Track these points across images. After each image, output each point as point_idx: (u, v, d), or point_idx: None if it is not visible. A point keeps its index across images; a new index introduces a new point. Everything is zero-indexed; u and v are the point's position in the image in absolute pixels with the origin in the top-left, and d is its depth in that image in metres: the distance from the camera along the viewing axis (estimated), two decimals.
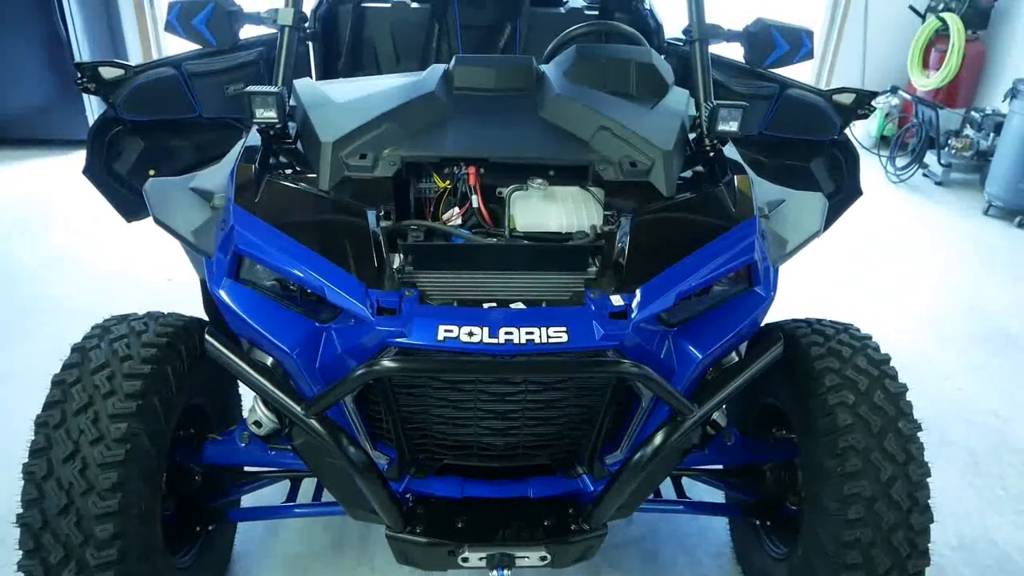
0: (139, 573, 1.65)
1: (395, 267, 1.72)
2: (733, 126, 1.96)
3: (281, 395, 1.63)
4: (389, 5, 3.46)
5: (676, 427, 1.66)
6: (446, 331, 1.55)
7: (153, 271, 4.22)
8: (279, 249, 1.68)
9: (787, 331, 1.98)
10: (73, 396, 1.67)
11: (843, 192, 2.78)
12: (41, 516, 1.59)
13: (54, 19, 5.71)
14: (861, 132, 7.03)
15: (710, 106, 1.99)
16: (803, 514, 1.90)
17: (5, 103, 5.96)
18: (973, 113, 6.26)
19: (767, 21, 2.36)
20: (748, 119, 2.08)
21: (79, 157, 2.48)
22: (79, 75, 2.32)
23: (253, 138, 1.98)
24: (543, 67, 2.17)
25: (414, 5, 3.47)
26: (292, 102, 2.06)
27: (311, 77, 3.16)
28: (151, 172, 2.50)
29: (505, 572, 1.77)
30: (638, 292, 1.67)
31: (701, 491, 2.60)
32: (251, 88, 1.86)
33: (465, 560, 1.77)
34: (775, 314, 1.98)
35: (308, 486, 2.40)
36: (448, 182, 1.87)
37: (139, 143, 2.52)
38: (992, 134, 5.99)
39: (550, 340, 1.56)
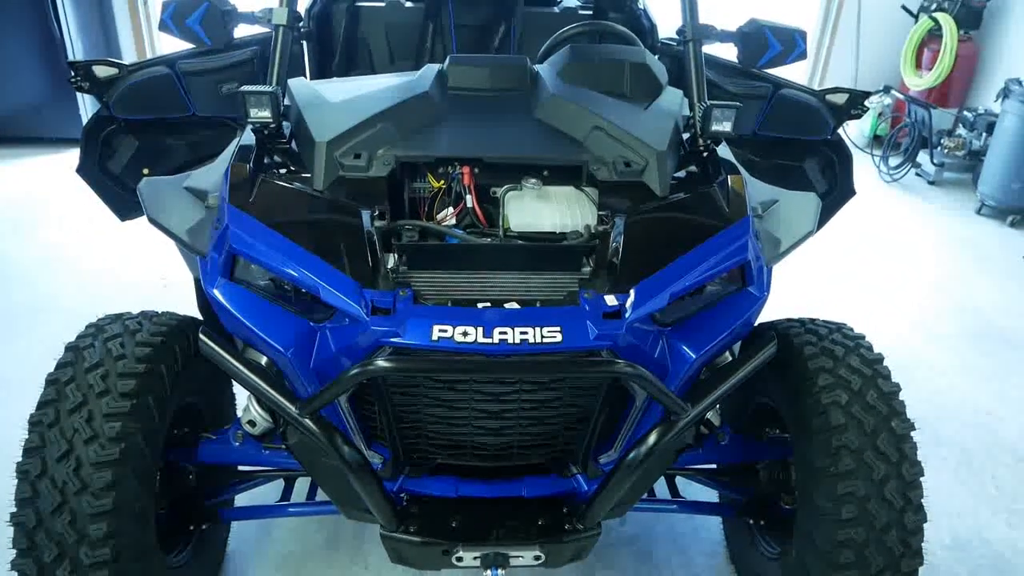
0: (133, 572, 1.64)
1: (389, 267, 1.72)
2: (726, 126, 1.97)
3: (275, 394, 1.63)
4: (383, 4, 3.46)
5: (670, 427, 1.67)
6: (440, 331, 1.55)
7: (147, 271, 4.21)
8: (273, 248, 1.68)
9: (780, 331, 1.99)
10: (67, 395, 1.67)
11: (836, 192, 2.79)
12: (35, 515, 1.59)
13: (48, 18, 5.69)
14: (854, 132, 7.05)
15: (703, 106, 2.00)
16: (797, 513, 1.91)
17: None
18: (966, 113, 6.28)
19: (760, 22, 2.37)
20: (741, 119, 2.09)
21: (73, 156, 2.47)
22: (73, 74, 2.31)
23: (247, 137, 1.97)
24: (537, 67, 2.17)
25: (408, 4, 3.47)
26: (286, 101, 2.06)
27: (305, 76, 3.16)
28: (145, 171, 2.49)
29: (499, 571, 1.78)
30: (632, 292, 1.67)
31: (695, 490, 2.61)
32: (245, 87, 1.86)
33: (459, 559, 1.77)
34: (769, 313, 1.98)
35: (302, 485, 2.40)
36: (442, 182, 1.87)
37: (133, 142, 2.51)
38: (984, 134, 6.02)
39: (544, 340, 1.56)
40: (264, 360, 1.76)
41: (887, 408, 1.79)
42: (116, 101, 2.36)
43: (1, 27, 5.67)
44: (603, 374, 1.66)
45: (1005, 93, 5.56)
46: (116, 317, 1.90)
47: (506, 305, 1.69)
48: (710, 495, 2.55)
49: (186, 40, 2.32)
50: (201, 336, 1.70)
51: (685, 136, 2.12)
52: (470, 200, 1.82)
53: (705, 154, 2.06)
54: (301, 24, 2.29)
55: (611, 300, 1.66)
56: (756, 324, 1.91)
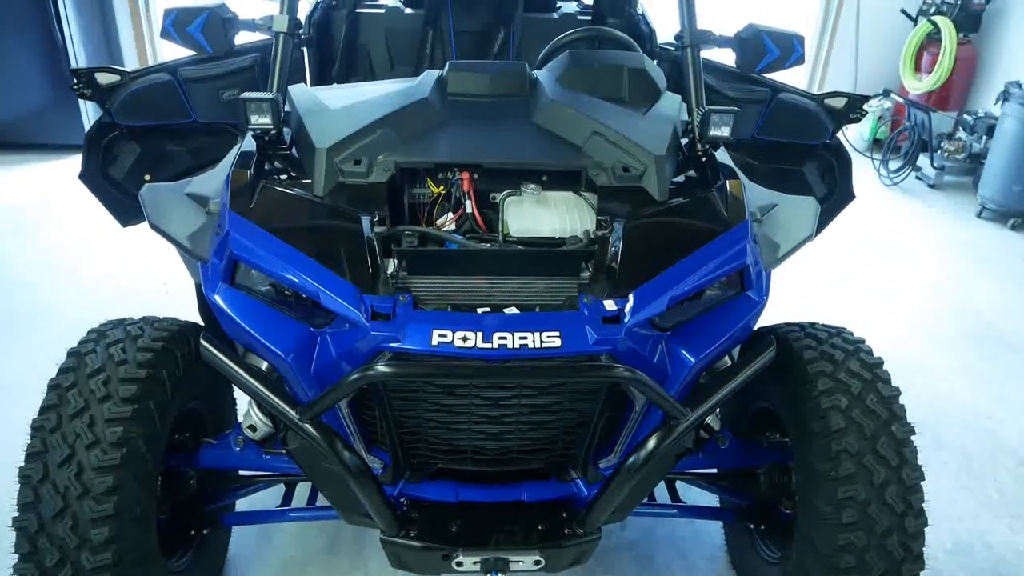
0: None
1: (389, 272, 1.73)
2: (725, 131, 1.98)
3: (276, 399, 1.64)
4: (383, 11, 3.47)
5: (669, 431, 1.67)
6: (440, 336, 1.56)
7: (149, 277, 4.22)
8: (274, 254, 1.69)
9: (780, 335, 1.99)
10: (69, 400, 1.68)
11: (836, 196, 2.79)
12: (37, 520, 1.59)
13: (51, 25, 5.71)
14: (854, 135, 7.06)
15: (702, 111, 2.01)
16: (797, 518, 1.91)
17: (2, 108, 5.95)
18: (966, 116, 6.28)
19: (758, 27, 2.38)
20: (740, 124, 2.09)
21: (75, 162, 2.49)
22: (75, 81, 2.33)
23: (248, 144, 1.98)
24: (536, 73, 2.18)
25: (408, 11, 3.48)
26: (287, 108, 2.07)
27: (306, 83, 3.17)
28: (147, 177, 2.50)
29: None
30: (631, 297, 1.68)
31: (696, 495, 2.60)
32: (246, 94, 1.87)
33: (459, 564, 1.77)
34: (768, 317, 1.99)
35: (303, 490, 2.41)
36: (442, 187, 1.88)
37: (135, 148, 2.52)
38: (985, 137, 6.02)
39: (544, 345, 1.57)
40: (265, 365, 1.77)
41: (887, 412, 1.79)
42: (118, 108, 2.38)
43: (4, 34, 5.69)
44: (602, 378, 1.67)
45: (1005, 96, 5.57)
46: (118, 322, 1.91)
47: (505, 310, 1.70)
48: (711, 500, 2.55)
49: (188, 47, 2.34)
50: (202, 341, 1.71)
51: (684, 141, 2.12)
52: (470, 205, 1.82)
53: (704, 159, 2.06)
54: (301, 31, 2.31)
55: (610, 305, 1.67)
56: (755, 328, 1.91)
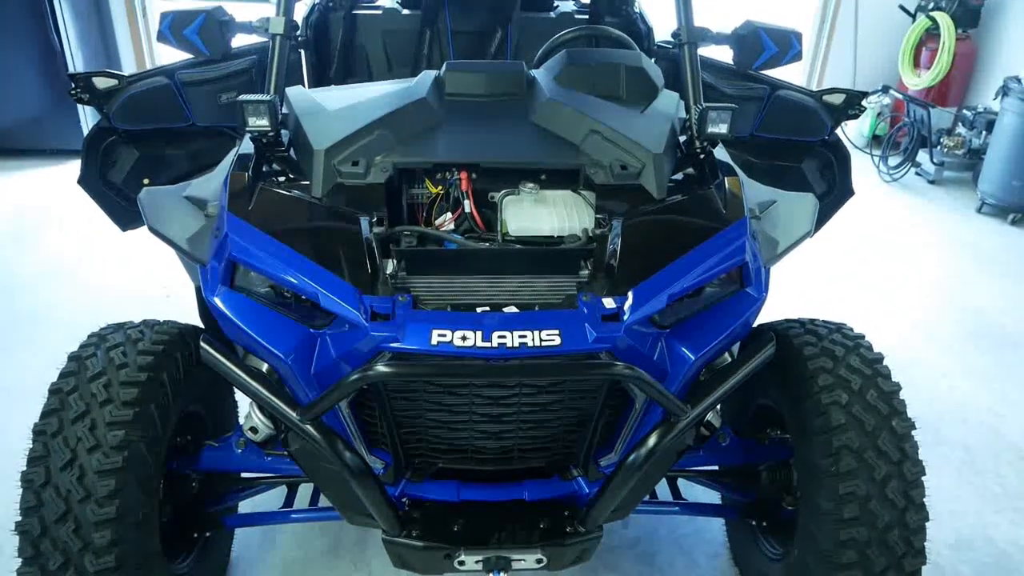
0: None
1: (388, 273, 1.73)
2: (723, 128, 1.98)
3: (276, 401, 1.64)
4: (380, 12, 3.47)
5: (669, 428, 1.67)
6: (439, 335, 1.56)
7: (149, 280, 4.23)
8: (273, 256, 1.69)
9: (780, 331, 1.99)
10: (70, 404, 1.68)
11: (835, 192, 2.79)
12: (40, 523, 1.60)
13: (48, 30, 5.72)
14: (853, 132, 7.06)
15: (700, 108, 2.01)
16: (799, 514, 1.91)
17: (0, 114, 5.97)
18: (965, 111, 6.29)
19: (755, 23, 2.38)
20: (739, 121, 2.09)
21: (74, 167, 2.49)
22: (73, 85, 2.33)
23: (246, 146, 1.98)
24: (534, 72, 2.18)
25: (405, 12, 3.48)
26: (284, 110, 2.07)
27: (303, 85, 3.17)
28: (145, 181, 2.50)
29: (501, 575, 1.78)
30: (630, 294, 1.68)
31: (697, 493, 2.61)
32: (244, 96, 1.87)
33: (461, 563, 1.77)
34: (768, 314, 1.99)
35: (305, 491, 2.41)
36: (440, 187, 1.88)
37: (133, 152, 2.53)
38: (984, 132, 6.02)
39: (543, 343, 1.57)
40: (265, 367, 1.77)
41: (888, 407, 1.79)
42: (116, 112, 2.38)
43: (1, 40, 5.70)
44: (602, 376, 1.67)
45: (1004, 91, 5.56)
46: (118, 326, 1.91)
47: (505, 309, 1.70)
48: (712, 497, 2.55)
49: (184, 51, 2.34)
50: (202, 344, 1.71)
51: (682, 139, 2.12)
52: (468, 205, 1.83)
53: (702, 156, 2.06)
54: (298, 33, 2.31)
55: (609, 303, 1.67)
56: (755, 325, 1.91)
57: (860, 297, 4.42)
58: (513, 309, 1.70)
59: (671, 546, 2.56)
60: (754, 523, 2.24)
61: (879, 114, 6.91)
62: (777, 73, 2.60)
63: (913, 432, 1.80)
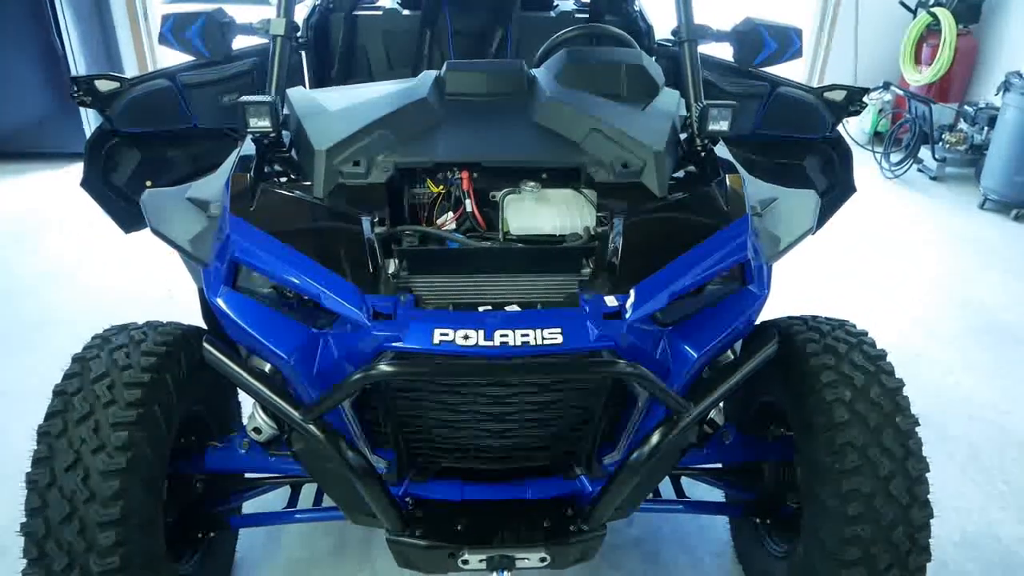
0: None
1: (390, 272, 1.73)
2: (723, 125, 1.97)
3: (280, 401, 1.64)
4: (380, 13, 3.48)
5: (672, 426, 1.67)
6: (442, 335, 1.56)
7: (152, 282, 4.24)
8: (275, 256, 1.70)
9: (782, 328, 1.98)
10: (74, 405, 1.68)
11: (837, 189, 2.79)
12: (44, 524, 1.60)
13: (50, 33, 5.74)
14: (855, 128, 7.05)
15: (700, 106, 2.01)
16: (803, 511, 1.90)
17: (2, 117, 5.98)
18: (966, 107, 6.28)
19: (755, 20, 2.38)
20: (740, 118, 2.09)
21: (76, 170, 2.50)
22: (75, 88, 2.34)
23: (248, 147, 1.99)
24: (534, 71, 2.18)
25: (405, 12, 3.49)
26: (286, 111, 2.08)
27: (304, 86, 3.18)
28: (148, 183, 2.51)
29: (505, 574, 1.78)
30: (632, 292, 1.68)
31: (701, 491, 2.61)
32: (245, 98, 1.88)
33: (465, 562, 1.78)
34: (770, 311, 1.99)
35: (308, 491, 2.41)
36: (442, 187, 1.88)
37: (136, 155, 2.53)
38: (986, 128, 6.01)
39: (545, 342, 1.57)
40: (268, 367, 1.77)
41: (891, 404, 1.79)
42: (118, 115, 2.39)
43: (3, 43, 5.72)
44: (604, 374, 1.67)
45: (1006, 86, 5.56)
46: (121, 328, 1.91)
47: (507, 308, 1.70)
48: (716, 495, 2.55)
49: (186, 53, 2.35)
50: (205, 345, 1.71)
51: (683, 136, 2.12)
52: (469, 204, 1.83)
53: (703, 154, 2.06)
54: (299, 34, 2.31)
55: (611, 301, 1.67)
56: (757, 322, 1.91)
57: (862, 294, 4.41)
58: (515, 308, 1.70)
59: (675, 544, 2.56)
60: (758, 521, 2.24)
61: (880, 110, 6.91)
62: (778, 70, 2.60)
63: (917, 429, 1.79)
